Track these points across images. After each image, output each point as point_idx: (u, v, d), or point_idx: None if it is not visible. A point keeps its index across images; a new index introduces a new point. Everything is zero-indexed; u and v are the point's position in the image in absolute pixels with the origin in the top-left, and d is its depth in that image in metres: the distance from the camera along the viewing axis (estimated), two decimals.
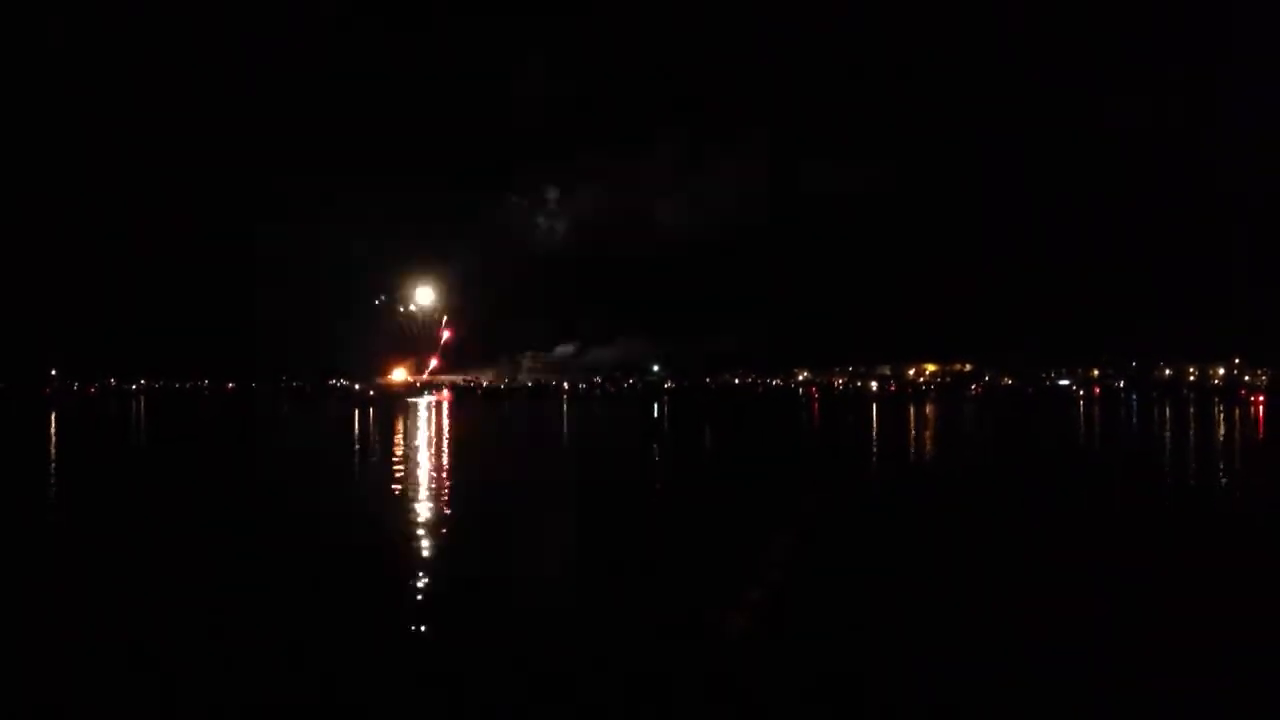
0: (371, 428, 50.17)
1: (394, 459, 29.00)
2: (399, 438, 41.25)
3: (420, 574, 12.22)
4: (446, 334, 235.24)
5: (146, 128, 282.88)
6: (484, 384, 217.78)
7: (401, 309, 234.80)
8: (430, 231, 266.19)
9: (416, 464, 27.24)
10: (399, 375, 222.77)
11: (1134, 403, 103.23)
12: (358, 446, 36.53)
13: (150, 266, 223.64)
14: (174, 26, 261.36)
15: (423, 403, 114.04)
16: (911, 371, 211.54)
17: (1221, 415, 64.54)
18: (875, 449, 36.22)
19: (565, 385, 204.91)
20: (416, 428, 50.47)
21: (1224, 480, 24.00)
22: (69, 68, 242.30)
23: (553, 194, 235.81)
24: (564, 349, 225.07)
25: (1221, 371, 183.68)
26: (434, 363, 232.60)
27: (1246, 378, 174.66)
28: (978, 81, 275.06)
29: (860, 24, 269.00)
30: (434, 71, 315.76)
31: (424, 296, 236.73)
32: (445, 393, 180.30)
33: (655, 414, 71.82)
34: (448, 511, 17.76)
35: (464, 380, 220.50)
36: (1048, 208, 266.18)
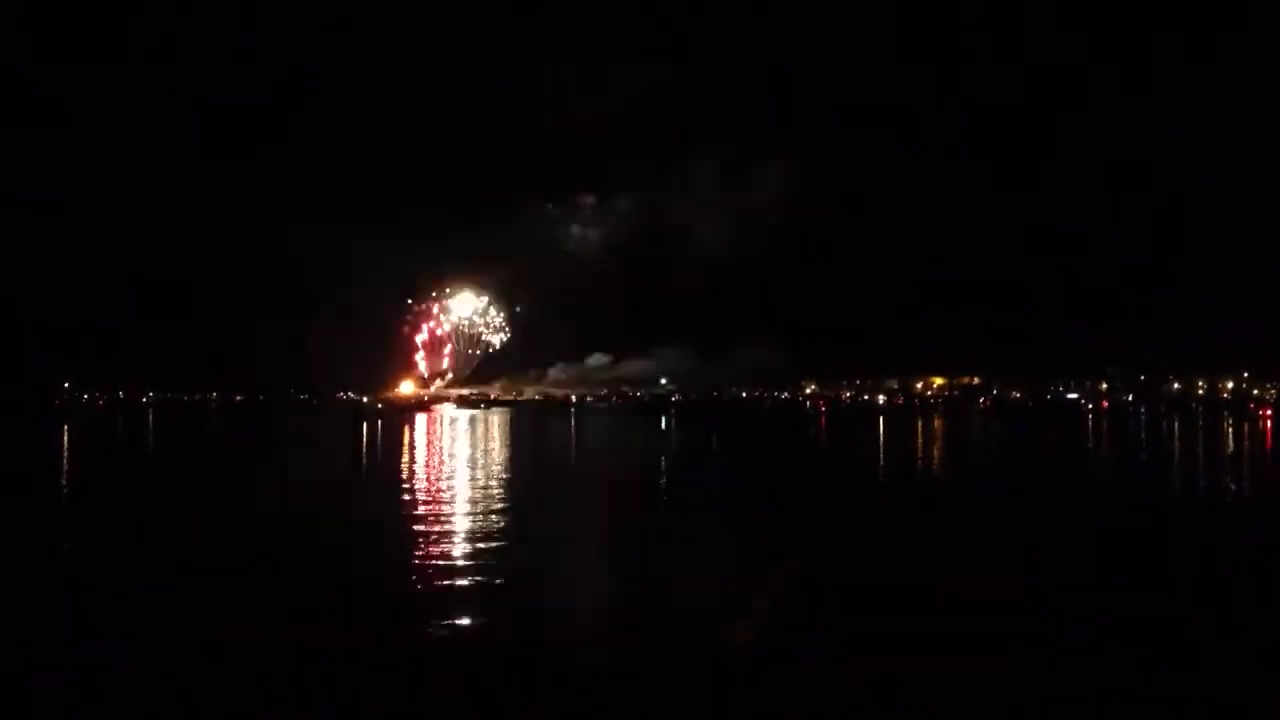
0: (369, 448, 50.35)
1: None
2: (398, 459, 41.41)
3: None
4: (450, 347, 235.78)
5: (159, 140, 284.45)
6: (491, 396, 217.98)
7: (412, 321, 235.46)
8: (445, 244, 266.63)
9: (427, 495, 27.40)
10: (406, 388, 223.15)
11: (1142, 417, 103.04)
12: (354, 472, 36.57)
13: (160, 280, 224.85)
14: (195, 39, 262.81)
15: (441, 416, 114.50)
16: (919, 385, 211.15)
17: (1231, 430, 64.48)
18: (878, 473, 36.39)
19: (573, 398, 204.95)
20: (439, 447, 50.63)
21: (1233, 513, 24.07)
22: (84, 78, 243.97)
23: (564, 209, 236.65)
24: (596, 360, 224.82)
25: (1230, 385, 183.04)
26: (441, 378, 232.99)
27: (1255, 391, 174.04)
28: (987, 93, 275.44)
29: (881, 36, 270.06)
30: (455, 80, 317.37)
31: (437, 308, 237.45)
32: (451, 406, 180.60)
33: (664, 428, 72.13)
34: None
35: (472, 394, 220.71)
36: (1054, 221, 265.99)
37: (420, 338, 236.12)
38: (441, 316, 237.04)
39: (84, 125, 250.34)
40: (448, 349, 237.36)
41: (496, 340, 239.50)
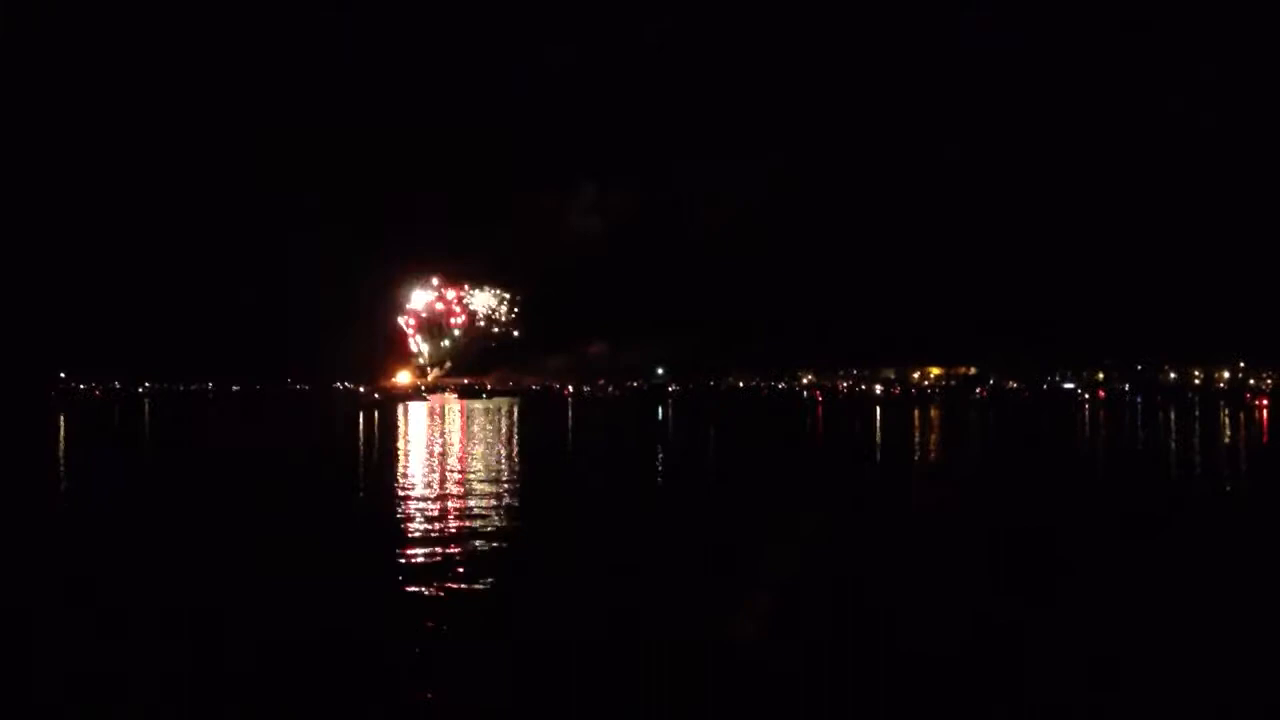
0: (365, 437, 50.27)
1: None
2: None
3: None
4: (457, 333, 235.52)
5: (155, 132, 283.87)
6: (489, 386, 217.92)
7: (409, 312, 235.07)
8: (444, 233, 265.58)
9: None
10: (403, 378, 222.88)
11: (1139, 406, 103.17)
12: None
13: (156, 271, 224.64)
14: (184, 32, 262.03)
15: (431, 407, 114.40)
16: (916, 375, 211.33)
17: (1227, 421, 64.48)
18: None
19: (570, 388, 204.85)
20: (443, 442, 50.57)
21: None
22: (79, 72, 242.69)
23: (563, 198, 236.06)
24: (594, 350, 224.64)
25: (1226, 374, 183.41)
26: (439, 367, 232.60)
27: (1251, 381, 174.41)
28: (976, 87, 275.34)
29: (864, 36, 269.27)
30: (442, 72, 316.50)
31: (435, 298, 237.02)
32: (449, 396, 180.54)
33: (660, 419, 72.11)
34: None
35: (470, 383, 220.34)
36: (1051, 212, 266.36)
37: (415, 328, 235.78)
38: (439, 306, 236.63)
39: (84, 125, 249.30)
40: (446, 340, 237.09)
41: (495, 329, 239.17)
